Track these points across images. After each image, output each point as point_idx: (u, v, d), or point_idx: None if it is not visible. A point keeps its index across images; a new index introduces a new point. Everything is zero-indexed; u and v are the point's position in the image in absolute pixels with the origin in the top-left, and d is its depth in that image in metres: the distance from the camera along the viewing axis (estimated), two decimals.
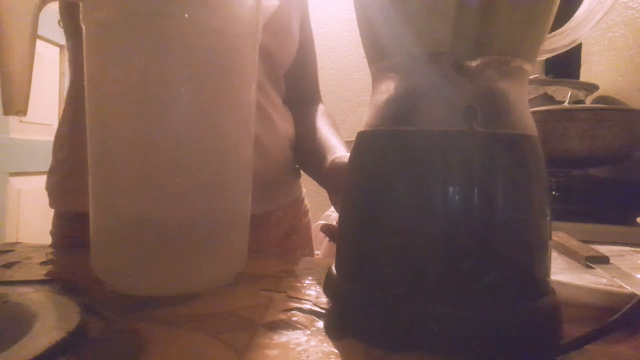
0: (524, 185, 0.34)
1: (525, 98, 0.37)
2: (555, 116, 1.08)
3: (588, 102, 1.41)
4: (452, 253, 0.32)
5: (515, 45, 0.36)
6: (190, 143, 0.44)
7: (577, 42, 0.41)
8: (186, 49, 0.43)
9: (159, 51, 0.42)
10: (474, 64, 0.35)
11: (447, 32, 0.35)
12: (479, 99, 0.34)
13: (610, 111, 1.06)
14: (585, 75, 1.51)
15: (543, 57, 0.41)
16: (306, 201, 0.85)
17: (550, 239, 0.35)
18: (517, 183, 0.34)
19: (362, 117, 1.05)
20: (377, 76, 0.40)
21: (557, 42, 0.41)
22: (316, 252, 1.03)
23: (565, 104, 1.19)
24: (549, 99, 1.34)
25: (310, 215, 0.86)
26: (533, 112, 1.23)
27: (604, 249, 0.58)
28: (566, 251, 0.57)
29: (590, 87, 1.40)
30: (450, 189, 0.32)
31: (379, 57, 0.39)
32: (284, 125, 0.74)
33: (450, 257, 0.32)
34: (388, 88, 0.38)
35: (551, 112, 1.09)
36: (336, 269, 0.39)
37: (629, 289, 0.42)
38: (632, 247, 0.61)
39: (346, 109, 1.78)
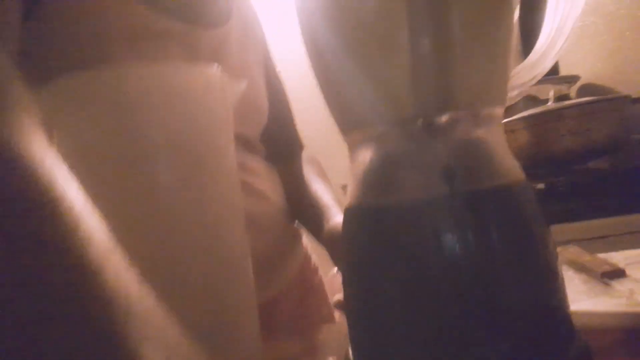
0: (521, 235, 0.33)
1: (503, 141, 0.37)
2: (543, 118, 1.08)
3: (573, 93, 1.40)
4: (463, 324, 0.31)
5: (480, 95, 0.35)
6: (174, 223, 0.42)
7: (545, 72, 0.40)
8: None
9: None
10: (443, 120, 0.34)
11: (409, 94, 0.34)
12: (456, 156, 0.34)
13: (597, 103, 1.05)
14: (565, 69, 1.51)
15: (515, 94, 0.41)
16: (313, 257, 0.83)
17: (562, 282, 0.34)
18: (513, 235, 0.33)
19: None
20: (351, 146, 0.39)
21: (524, 76, 0.40)
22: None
23: (550, 102, 1.19)
24: (533, 100, 1.33)
25: (320, 270, 0.85)
26: (520, 119, 1.23)
27: (619, 257, 0.57)
28: (580, 268, 0.55)
29: (572, 79, 1.40)
30: (447, 256, 0.31)
31: (347, 128, 0.38)
32: (272, 191, 0.72)
33: (463, 328, 0.31)
34: (364, 159, 0.37)
35: (539, 116, 1.08)
36: (352, 353, 0.38)
37: None
38: None
39: (336, 152, 1.77)
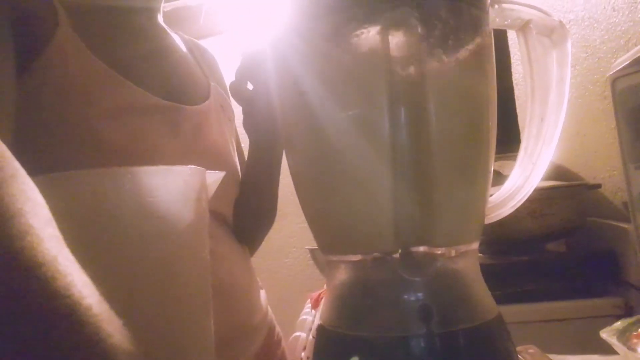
0: None
1: (478, 275, 0.37)
2: None
3: None
4: None
5: (458, 231, 0.36)
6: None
7: (518, 206, 0.43)
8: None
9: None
10: (421, 252, 0.35)
11: (390, 225, 0.35)
12: (433, 293, 0.34)
13: (555, 189, 1.10)
14: None
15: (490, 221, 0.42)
16: (277, 329, 0.82)
17: None
18: None
19: None
20: (329, 264, 0.40)
21: (495, 209, 0.42)
22: None
23: None
24: (497, 175, 1.37)
25: (283, 342, 0.83)
26: None
27: None
28: None
29: None
30: None
31: (326, 249, 0.39)
32: (247, 264, 0.72)
33: None
34: (341, 281, 0.38)
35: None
36: None
37: None
38: (600, 355, 0.62)
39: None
